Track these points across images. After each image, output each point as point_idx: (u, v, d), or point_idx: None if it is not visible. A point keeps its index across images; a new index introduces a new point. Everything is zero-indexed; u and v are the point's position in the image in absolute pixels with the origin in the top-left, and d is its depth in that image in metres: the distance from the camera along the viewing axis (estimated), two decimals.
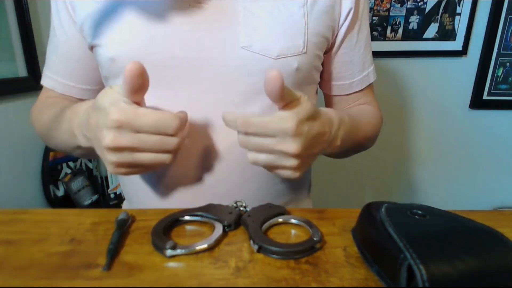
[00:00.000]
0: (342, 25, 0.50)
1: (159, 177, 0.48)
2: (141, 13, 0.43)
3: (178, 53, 0.43)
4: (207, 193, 0.48)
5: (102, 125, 0.34)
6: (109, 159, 0.35)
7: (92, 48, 0.48)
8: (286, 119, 0.35)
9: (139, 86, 0.33)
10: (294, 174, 0.38)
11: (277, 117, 0.35)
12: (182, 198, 0.48)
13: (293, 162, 0.36)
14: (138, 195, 0.52)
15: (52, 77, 0.54)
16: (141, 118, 0.34)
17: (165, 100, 0.44)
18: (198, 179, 0.47)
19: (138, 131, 0.34)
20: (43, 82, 0.56)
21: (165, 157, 0.36)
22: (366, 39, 0.54)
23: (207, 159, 0.47)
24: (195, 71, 0.44)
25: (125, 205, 0.60)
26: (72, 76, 0.53)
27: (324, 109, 0.41)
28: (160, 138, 0.35)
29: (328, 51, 0.52)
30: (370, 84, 0.58)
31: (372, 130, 0.55)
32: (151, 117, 0.34)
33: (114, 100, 0.34)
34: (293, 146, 0.35)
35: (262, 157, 0.36)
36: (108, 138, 0.33)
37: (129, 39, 0.44)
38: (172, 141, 0.35)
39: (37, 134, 0.55)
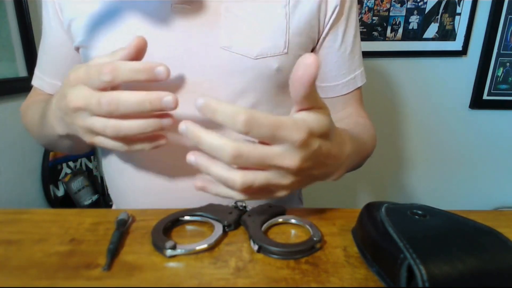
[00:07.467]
0: (327, 24, 0.49)
1: (148, 181, 0.48)
2: (121, 15, 0.43)
3: (157, 54, 0.42)
4: (197, 197, 0.47)
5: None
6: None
7: (77, 49, 0.49)
8: (300, 126, 0.27)
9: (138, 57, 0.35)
10: (281, 193, 0.32)
11: (291, 122, 0.27)
12: (172, 203, 0.48)
13: (289, 179, 0.30)
14: (127, 200, 0.52)
15: (41, 77, 0.55)
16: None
17: None
18: (182, 181, 0.47)
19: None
20: (33, 81, 0.56)
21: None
22: (354, 41, 0.52)
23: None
24: (175, 72, 0.43)
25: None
26: (59, 76, 0.54)
27: (340, 129, 0.35)
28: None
29: (312, 50, 0.51)
30: (357, 88, 0.55)
31: (370, 149, 0.51)
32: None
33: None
34: (295, 160, 0.28)
35: (261, 176, 0.29)
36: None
37: (109, 40, 0.44)
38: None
39: (29, 133, 0.55)
